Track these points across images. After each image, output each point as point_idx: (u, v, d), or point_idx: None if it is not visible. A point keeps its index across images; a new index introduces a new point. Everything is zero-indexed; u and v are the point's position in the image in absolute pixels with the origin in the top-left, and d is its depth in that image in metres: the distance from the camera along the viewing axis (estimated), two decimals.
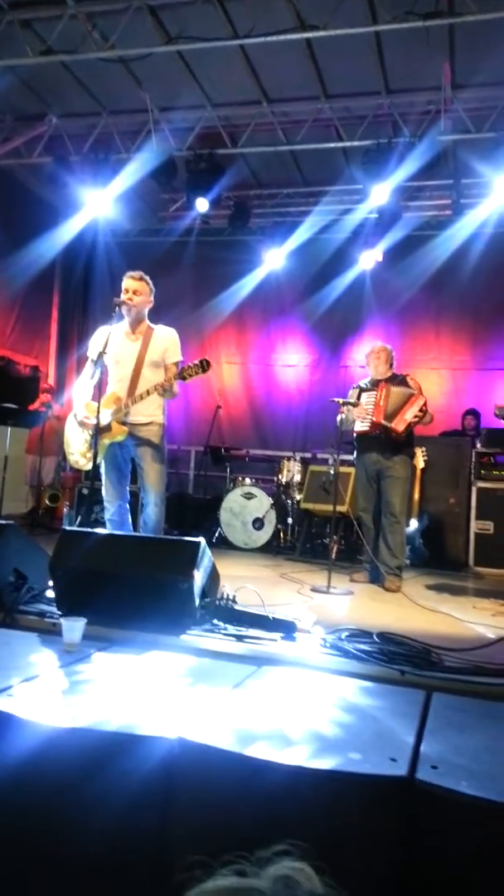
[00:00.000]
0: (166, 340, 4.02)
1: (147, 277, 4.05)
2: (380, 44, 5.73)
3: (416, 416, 4.59)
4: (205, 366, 3.74)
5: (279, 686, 2.24)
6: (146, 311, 4.07)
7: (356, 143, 6.65)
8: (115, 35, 5.58)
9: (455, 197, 7.32)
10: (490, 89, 6.12)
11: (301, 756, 1.66)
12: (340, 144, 6.87)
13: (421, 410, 4.60)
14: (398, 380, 4.83)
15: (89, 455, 3.96)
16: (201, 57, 6.06)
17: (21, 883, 1.66)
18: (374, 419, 4.63)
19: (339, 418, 4.75)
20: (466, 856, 1.49)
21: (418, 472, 5.99)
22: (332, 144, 6.90)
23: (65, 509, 7.08)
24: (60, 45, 5.73)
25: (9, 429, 6.72)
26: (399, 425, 4.56)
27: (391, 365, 4.91)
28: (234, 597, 2.93)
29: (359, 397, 4.82)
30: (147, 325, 4.07)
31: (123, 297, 3.95)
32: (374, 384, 4.80)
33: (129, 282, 4.00)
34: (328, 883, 0.61)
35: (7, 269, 7.89)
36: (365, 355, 5.02)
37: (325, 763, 1.63)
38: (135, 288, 3.98)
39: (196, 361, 3.76)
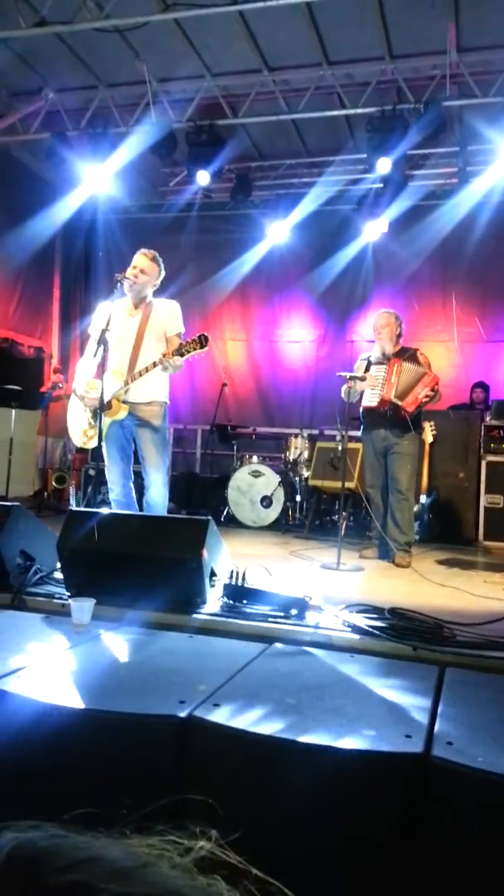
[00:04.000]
0: (166, 312, 3.95)
1: (160, 259, 3.97)
2: (382, 7, 5.57)
3: (426, 396, 4.51)
4: (203, 341, 3.64)
5: (290, 663, 2.22)
6: (150, 292, 4.00)
7: (360, 111, 6.49)
8: (110, 4, 5.43)
9: (461, 164, 7.17)
10: (496, 52, 5.96)
11: (315, 733, 1.64)
12: (343, 112, 6.72)
13: (432, 390, 4.52)
14: (408, 354, 4.72)
15: (91, 433, 3.92)
16: (199, 25, 5.91)
17: None
18: (383, 395, 4.55)
19: (343, 388, 4.67)
20: (483, 831, 1.47)
21: (427, 447, 5.95)
22: (334, 112, 6.74)
23: (71, 490, 7.07)
24: (54, 16, 5.59)
25: (13, 411, 6.68)
26: (410, 405, 4.48)
27: (400, 336, 4.80)
28: (244, 575, 2.91)
29: (367, 370, 4.73)
30: (148, 301, 4.01)
31: (129, 272, 3.87)
32: (385, 358, 4.71)
33: (140, 259, 3.93)
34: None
35: (7, 249, 7.80)
36: (372, 328, 4.90)
37: (339, 740, 1.61)
38: (143, 266, 3.90)
39: (194, 337, 3.68)
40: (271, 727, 1.66)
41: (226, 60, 6.47)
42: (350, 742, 1.60)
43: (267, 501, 6.44)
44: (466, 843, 1.48)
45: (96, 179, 7.18)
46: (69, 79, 6.81)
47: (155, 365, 3.75)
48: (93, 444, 3.91)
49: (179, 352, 3.68)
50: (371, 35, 5.93)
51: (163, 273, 4.00)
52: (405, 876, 1.51)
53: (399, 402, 4.49)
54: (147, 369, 3.77)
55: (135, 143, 6.67)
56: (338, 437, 5.86)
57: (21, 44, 6.21)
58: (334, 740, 1.61)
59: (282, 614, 2.69)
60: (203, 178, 7.03)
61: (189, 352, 3.67)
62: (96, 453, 3.85)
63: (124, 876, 0.46)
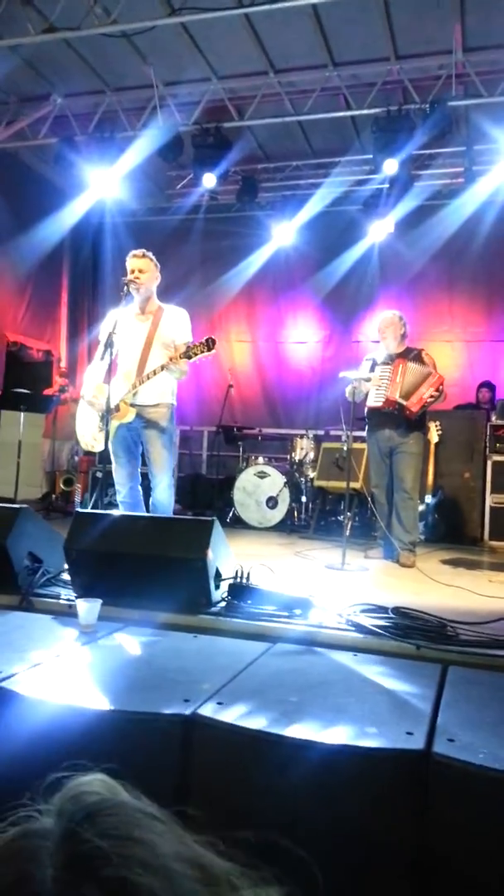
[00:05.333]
0: (176, 321, 3.98)
1: (150, 254, 4.00)
2: (388, 7, 5.58)
3: (431, 396, 4.51)
4: (210, 344, 3.68)
5: (293, 662, 2.24)
6: (154, 289, 4.04)
7: (365, 112, 6.51)
8: (117, 9, 5.47)
9: (467, 164, 7.17)
10: (503, 52, 5.95)
11: (316, 731, 1.66)
12: (349, 113, 6.74)
13: (437, 390, 4.51)
14: (413, 354, 4.73)
15: (99, 437, 3.96)
16: (206, 28, 5.95)
17: None
18: (388, 395, 4.56)
19: (348, 389, 4.68)
20: (484, 829, 1.49)
21: (432, 447, 5.95)
22: (340, 114, 6.76)
23: (77, 492, 7.12)
24: (62, 22, 5.64)
25: (22, 414, 6.73)
26: (414, 405, 4.48)
27: (404, 336, 4.81)
28: (249, 575, 2.93)
29: (371, 370, 4.74)
30: (157, 305, 4.03)
31: (130, 276, 3.91)
32: (390, 358, 4.72)
33: (133, 261, 3.97)
34: (130, 790, 0.52)
35: (16, 253, 7.87)
36: (377, 329, 4.92)
37: (341, 737, 1.63)
38: (140, 266, 3.94)
39: (202, 340, 3.71)
40: (274, 725, 1.68)
41: (232, 63, 6.50)
42: (352, 739, 1.62)
43: (272, 502, 6.46)
44: (468, 838, 1.50)
45: (104, 183, 7.24)
46: (77, 84, 6.86)
47: (163, 368, 3.78)
48: (101, 447, 3.95)
49: (187, 354, 3.71)
50: (377, 36, 5.95)
51: (158, 266, 4.04)
52: (409, 872, 1.53)
53: (404, 402, 4.50)
54: (155, 372, 3.81)
55: (142, 146, 6.72)
56: (343, 438, 5.88)
57: (29, 50, 6.26)
58: (336, 737, 1.63)
59: (286, 614, 2.71)
60: (209, 180, 7.06)
61: (196, 355, 3.70)
62: (103, 455, 3.89)
63: (166, 878, 0.46)
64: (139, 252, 3.99)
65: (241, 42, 6.13)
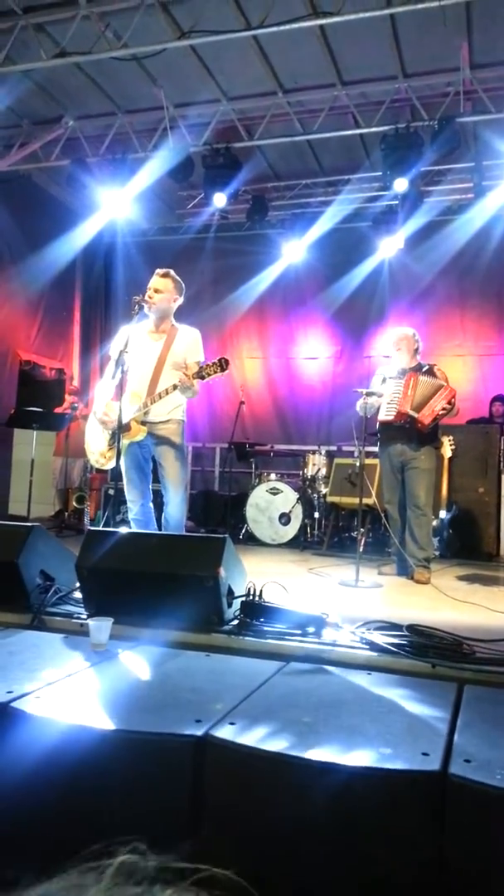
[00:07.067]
0: (188, 340, 3.99)
1: (174, 275, 4.02)
2: (395, 27, 5.63)
3: (443, 409, 4.49)
4: (223, 365, 3.68)
5: (307, 681, 2.22)
6: (172, 310, 4.05)
7: (374, 130, 6.55)
8: (127, 33, 5.57)
9: (477, 179, 7.19)
10: None
11: (331, 752, 1.63)
12: (358, 131, 6.77)
13: (449, 403, 4.50)
14: (425, 369, 4.73)
15: (109, 454, 3.96)
16: (215, 50, 6.03)
17: None
18: (399, 408, 4.55)
19: (359, 403, 4.67)
20: (502, 850, 1.45)
21: (446, 462, 5.91)
22: (349, 132, 6.80)
23: (86, 510, 7.12)
24: (74, 46, 5.74)
25: (34, 432, 6.77)
26: (426, 418, 4.47)
27: (417, 351, 4.81)
28: (262, 592, 2.91)
29: (383, 383, 4.73)
30: (171, 325, 4.05)
31: (144, 295, 3.93)
32: (401, 373, 4.71)
33: (154, 279, 4.00)
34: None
35: (28, 273, 7.96)
36: (390, 344, 4.92)
37: (356, 759, 1.60)
38: (157, 286, 3.96)
39: (215, 360, 3.70)
40: (287, 747, 1.65)
41: (241, 84, 6.58)
42: (366, 760, 1.59)
43: (285, 518, 6.43)
44: (486, 860, 1.46)
45: (115, 204, 7.33)
46: (89, 106, 6.97)
47: (175, 388, 3.79)
48: (110, 465, 3.95)
49: (200, 375, 3.71)
50: (384, 54, 6.00)
51: (182, 288, 4.04)
52: (427, 895, 1.49)
53: (415, 415, 4.48)
54: (167, 391, 3.81)
55: (153, 167, 6.80)
56: (356, 454, 5.85)
57: (41, 74, 6.37)
58: (350, 758, 1.60)
59: (299, 632, 2.68)
60: (220, 200, 7.12)
61: (209, 375, 3.70)
62: (115, 473, 3.89)
63: None
64: (162, 271, 4.01)
65: (249, 63, 6.21)
